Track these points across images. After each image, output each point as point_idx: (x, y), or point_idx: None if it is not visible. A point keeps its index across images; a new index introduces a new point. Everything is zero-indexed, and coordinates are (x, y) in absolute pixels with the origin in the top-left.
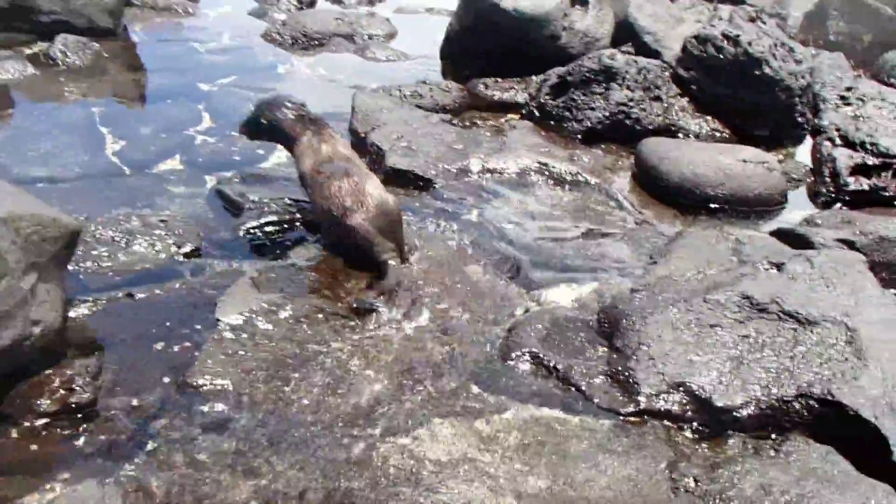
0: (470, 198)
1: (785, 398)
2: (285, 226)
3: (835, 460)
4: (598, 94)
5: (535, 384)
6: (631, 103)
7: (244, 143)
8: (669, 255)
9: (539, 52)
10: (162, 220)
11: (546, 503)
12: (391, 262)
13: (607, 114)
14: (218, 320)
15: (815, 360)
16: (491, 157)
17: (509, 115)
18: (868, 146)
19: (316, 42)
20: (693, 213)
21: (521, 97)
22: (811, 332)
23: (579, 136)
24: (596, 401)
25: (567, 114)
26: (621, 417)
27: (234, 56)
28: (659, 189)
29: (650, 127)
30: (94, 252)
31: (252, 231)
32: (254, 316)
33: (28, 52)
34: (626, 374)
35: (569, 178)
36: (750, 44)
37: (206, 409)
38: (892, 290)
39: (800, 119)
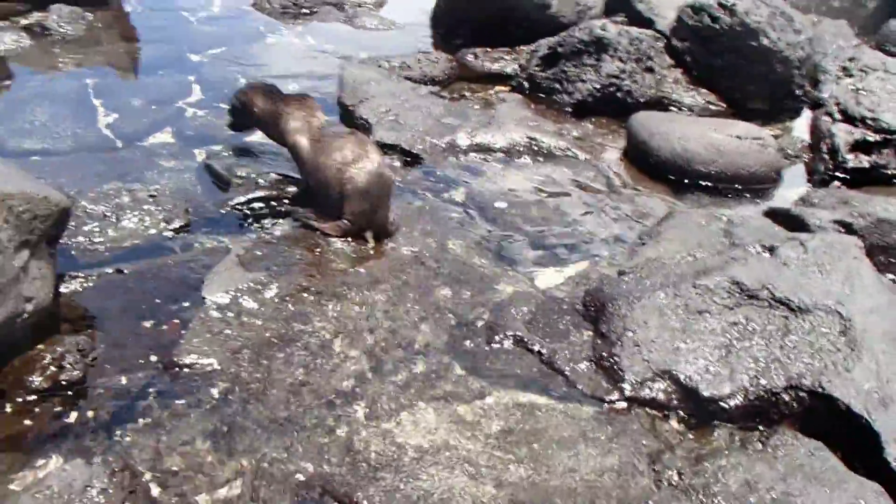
0: (457, 173)
1: (774, 389)
2: (272, 202)
3: (824, 456)
4: (588, 66)
5: (518, 368)
6: (623, 75)
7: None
8: (659, 235)
9: (529, 21)
10: (151, 196)
11: (526, 493)
12: (349, 228)
13: (598, 86)
14: (204, 299)
15: (806, 350)
16: (479, 131)
17: (498, 87)
18: (869, 121)
19: (306, 11)
20: (684, 190)
21: (511, 68)
22: (803, 320)
23: (569, 109)
24: (580, 387)
25: (557, 86)
26: (605, 405)
27: (224, 26)
28: (649, 165)
29: (642, 100)
30: (86, 227)
31: (239, 207)
32: (240, 294)
33: (24, 22)
34: (611, 360)
35: (558, 153)
36: (747, 13)
37: (192, 388)
38: (890, 276)
39: (798, 92)
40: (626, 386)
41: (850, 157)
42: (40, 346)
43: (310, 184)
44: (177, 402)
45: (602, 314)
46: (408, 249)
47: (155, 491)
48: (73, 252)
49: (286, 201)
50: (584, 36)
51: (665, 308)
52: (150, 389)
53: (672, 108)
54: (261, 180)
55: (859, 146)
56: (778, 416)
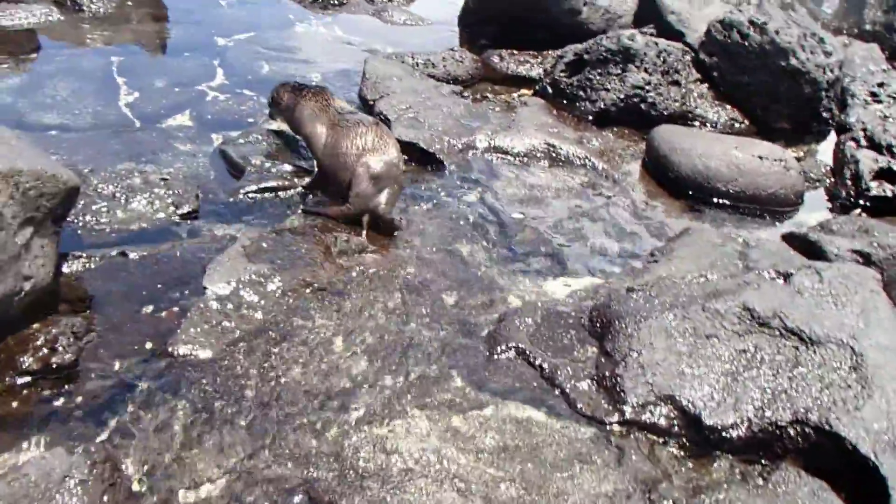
0: (472, 176)
1: (779, 422)
2: (284, 193)
3: (827, 498)
4: (614, 76)
5: (518, 381)
6: (648, 87)
7: (253, 103)
8: (672, 253)
9: (558, 26)
10: (163, 179)
11: None
12: (353, 211)
13: (622, 96)
14: (205, 288)
15: (815, 384)
16: (498, 134)
17: (522, 90)
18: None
19: (336, 2)
20: (702, 208)
21: (536, 72)
22: (814, 352)
23: (591, 118)
24: (579, 406)
25: (581, 93)
26: (604, 426)
27: (254, 11)
28: (668, 180)
29: (665, 112)
30: (94, 207)
31: (250, 195)
32: (241, 286)
33: None
34: (614, 380)
35: (576, 161)
36: (777, 32)
37: (184, 380)
38: None
39: (825, 114)
40: (627, 408)
41: (873, 184)
42: (36, 326)
43: (324, 166)
44: (166, 393)
45: (608, 331)
46: (415, 251)
47: (136, 486)
48: (79, 231)
49: (298, 192)
50: (612, 45)
51: (673, 330)
52: (142, 379)
53: (695, 122)
54: (274, 170)
55: (883, 174)
56: (782, 450)
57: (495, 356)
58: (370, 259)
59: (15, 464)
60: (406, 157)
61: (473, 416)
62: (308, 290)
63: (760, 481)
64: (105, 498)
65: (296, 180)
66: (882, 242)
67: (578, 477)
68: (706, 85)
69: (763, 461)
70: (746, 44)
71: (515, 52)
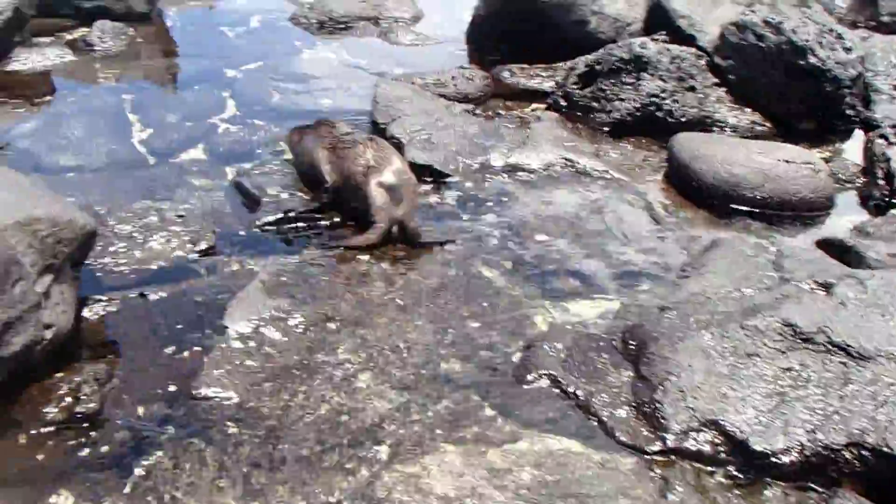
0: (490, 196)
1: (833, 445)
2: (300, 223)
3: None
4: (628, 85)
5: (552, 411)
6: (663, 94)
7: (264, 133)
8: (703, 267)
9: (567, 37)
10: (179, 216)
11: None
12: (383, 227)
13: (637, 105)
14: (226, 327)
15: (868, 403)
16: (513, 151)
17: (534, 105)
18: None
19: (342, 26)
20: (729, 217)
21: (548, 85)
22: (864, 368)
23: (607, 129)
24: (618, 435)
25: (595, 104)
26: (646, 456)
27: (261, 40)
28: (692, 190)
29: (683, 119)
30: (112, 248)
31: (267, 227)
32: (262, 323)
33: (68, 37)
34: (653, 406)
35: (595, 175)
36: (794, 31)
37: (209, 423)
38: None
39: (849, 112)
40: (669, 436)
41: None
42: (58, 374)
43: (343, 194)
44: (192, 439)
45: (643, 354)
46: (438, 276)
47: None
48: (98, 273)
49: (315, 220)
50: (624, 53)
51: (711, 350)
52: (167, 424)
53: (715, 128)
54: (290, 200)
55: None
56: (838, 475)
57: (526, 385)
58: (391, 288)
59: None
60: (421, 180)
61: (508, 449)
62: (330, 324)
63: None
64: None
65: (312, 207)
66: None
67: None
68: (723, 89)
69: (818, 488)
70: (762, 44)
71: (526, 66)
